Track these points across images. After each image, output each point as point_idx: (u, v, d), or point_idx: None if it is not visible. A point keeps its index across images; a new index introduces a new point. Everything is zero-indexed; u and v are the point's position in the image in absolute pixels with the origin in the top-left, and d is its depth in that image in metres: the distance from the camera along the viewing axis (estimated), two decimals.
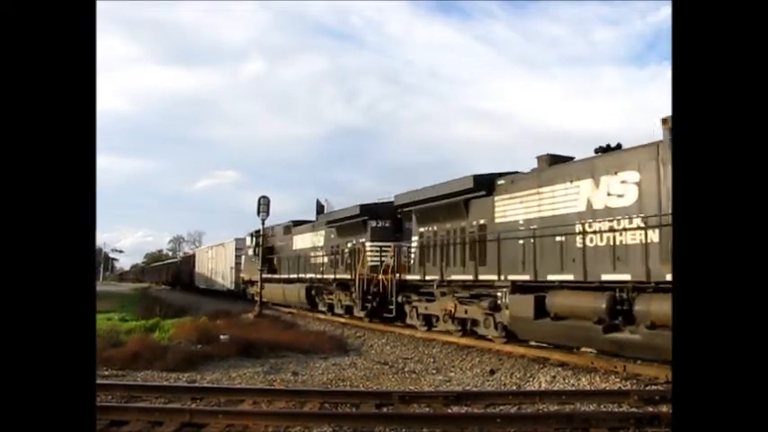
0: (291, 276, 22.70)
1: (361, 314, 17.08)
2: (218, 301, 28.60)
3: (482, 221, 12.54)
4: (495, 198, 12.16)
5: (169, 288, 55.81)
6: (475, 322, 12.35)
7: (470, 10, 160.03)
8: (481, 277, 11.91)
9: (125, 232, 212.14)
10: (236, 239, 32.51)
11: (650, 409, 6.42)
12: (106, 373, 9.04)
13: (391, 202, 16.92)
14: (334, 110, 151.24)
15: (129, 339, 11.57)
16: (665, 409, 6.33)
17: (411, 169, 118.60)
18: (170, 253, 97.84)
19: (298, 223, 24.72)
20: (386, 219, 17.61)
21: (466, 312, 12.57)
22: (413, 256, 15.40)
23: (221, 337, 12.35)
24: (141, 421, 5.97)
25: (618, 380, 8.37)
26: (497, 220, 12.01)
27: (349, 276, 17.72)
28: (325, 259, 20.41)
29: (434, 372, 9.88)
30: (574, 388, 8.10)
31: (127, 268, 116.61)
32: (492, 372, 9.56)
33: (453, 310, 12.89)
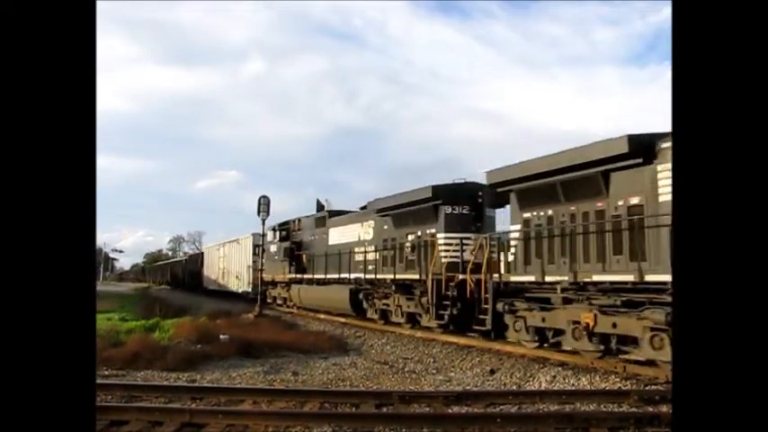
0: (329, 277, 18.90)
1: (433, 324, 13.50)
2: (219, 302, 28.36)
3: (634, 200, 9.17)
4: (659, 167, 8.68)
5: (170, 289, 52.17)
6: (626, 340, 8.94)
7: (470, 10, 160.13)
8: (650, 278, 8.32)
9: (125, 232, 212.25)
10: (254, 234, 28.34)
11: (650, 409, 6.42)
12: (106, 373, 9.04)
13: (468, 183, 13.80)
14: (334, 110, 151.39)
15: (129, 339, 11.57)
16: (665, 409, 6.33)
17: (411, 169, 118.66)
18: (170, 253, 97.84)
19: (335, 213, 20.84)
20: (463, 203, 13.64)
21: (614, 326, 8.97)
22: (513, 250, 11.60)
23: (221, 336, 12.35)
24: (141, 421, 5.97)
25: (618, 380, 8.37)
26: (663, 198, 8.52)
27: (416, 276, 13.91)
28: (376, 255, 16.39)
29: (435, 371, 9.89)
30: (574, 388, 8.10)
31: (127, 268, 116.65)
32: (492, 371, 9.56)
33: (592, 324, 9.29)
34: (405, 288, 14.87)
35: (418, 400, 6.95)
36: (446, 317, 12.94)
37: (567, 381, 8.60)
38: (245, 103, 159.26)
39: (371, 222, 17.24)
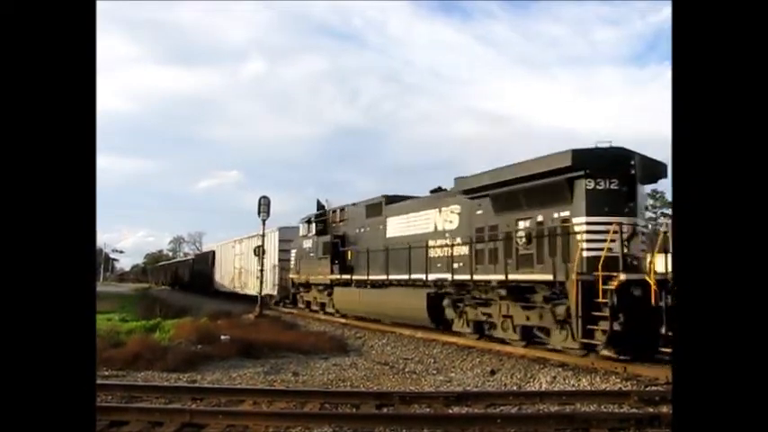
0: (394, 278, 14.76)
1: (573, 345, 9.65)
2: (221, 302, 28.31)
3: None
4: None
5: (176, 291, 48.20)
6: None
7: (471, 10, 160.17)
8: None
9: (125, 233, 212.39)
10: (281, 229, 25.41)
11: (650, 410, 6.42)
12: (106, 373, 9.04)
13: (615, 148, 9.85)
14: (334, 110, 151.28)
15: (130, 340, 11.57)
16: (665, 409, 6.33)
17: (412, 169, 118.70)
18: (170, 253, 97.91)
19: (393, 199, 16.31)
20: (611, 175, 9.70)
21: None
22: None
23: (222, 337, 12.35)
24: (141, 421, 5.98)
25: (618, 380, 8.37)
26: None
27: (545, 277, 9.97)
28: (466, 250, 12.26)
29: (435, 372, 9.88)
30: (574, 388, 8.10)
31: (127, 269, 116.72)
32: (492, 372, 9.55)
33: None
34: (518, 293, 10.83)
35: (419, 400, 6.95)
36: (600, 334, 8.96)
37: (567, 381, 8.60)
38: (246, 103, 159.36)
39: (456, 207, 12.96)
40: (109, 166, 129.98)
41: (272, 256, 25.54)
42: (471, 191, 12.24)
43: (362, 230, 17.56)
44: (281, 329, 15.90)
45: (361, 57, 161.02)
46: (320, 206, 23.35)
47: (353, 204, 18.62)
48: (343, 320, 18.21)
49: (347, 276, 17.62)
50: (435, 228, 13.70)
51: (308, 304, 22.10)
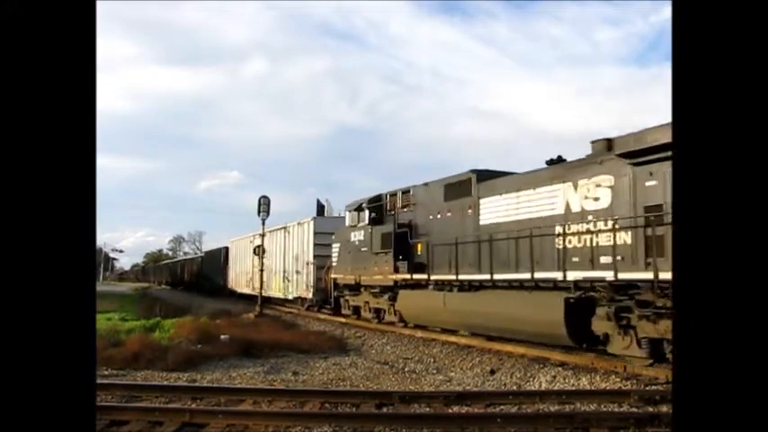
0: (500, 277, 11.04)
1: None
2: (222, 302, 28.18)
3: None
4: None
5: (180, 291, 45.21)
6: None
7: (472, 10, 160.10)
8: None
9: (126, 232, 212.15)
10: (316, 218, 21.47)
11: (650, 410, 6.42)
12: (106, 372, 9.04)
13: None
14: (335, 110, 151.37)
15: (130, 339, 11.58)
16: (665, 409, 6.33)
17: (412, 169, 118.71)
18: (170, 253, 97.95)
19: (488, 175, 12.43)
20: None
21: None
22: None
23: (222, 337, 12.36)
24: (141, 421, 5.98)
25: (618, 380, 8.37)
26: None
27: None
28: (625, 237, 8.83)
29: (435, 372, 9.89)
30: (574, 388, 8.10)
31: (127, 268, 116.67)
32: (492, 372, 9.56)
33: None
34: None
35: (418, 400, 6.96)
36: None
37: (567, 381, 8.60)
38: (247, 104, 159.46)
39: (606, 178, 9.36)
40: (110, 166, 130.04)
41: (305, 252, 21.50)
42: (640, 153, 8.55)
43: (439, 217, 13.50)
44: (281, 329, 15.92)
45: (362, 57, 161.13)
46: (320, 206, 23.54)
47: (424, 184, 14.39)
48: (342, 320, 18.18)
49: (421, 276, 13.49)
50: (568, 208, 10.05)
51: (355, 311, 17.77)
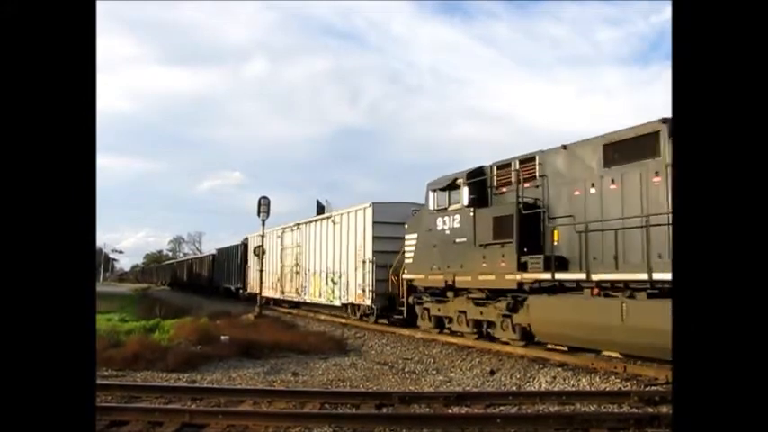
0: None
1: None
2: (220, 302, 28.11)
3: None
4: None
5: (185, 293, 40.30)
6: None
7: (473, 10, 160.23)
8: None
9: (126, 233, 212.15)
10: (376, 204, 16.63)
11: (650, 410, 6.42)
12: (106, 373, 9.04)
13: None
14: (336, 110, 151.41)
15: (129, 340, 11.58)
16: (665, 409, 6.33)
17: (413, 170, 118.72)
18: (170, 254, 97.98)
19: None
20: None
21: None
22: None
23: (222, 337, 12.36)
24: (141, 421, 5.98)
25: (618, 380, 8.37)
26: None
27: None
28: None
29: (435, 372, 9.88)
30: (574, 388, 8.10)
31: (127, 269, 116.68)
32: (492, 372, 9.55)
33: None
34: None
35: (418, 400, 6.95)
36: None
37: (567, 381, 8.60)
38: (248, 104, 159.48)
39: None
40: (110, 166, 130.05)
41: (360, 248, 17.03)
42: None
43: (593, 191, 9.62)
44: (281, 329, 15.92)
45: (362, 57, 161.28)
46: (320, 206, 22.82)
47: (562, 147, 10.38)
48: (342, 320, 18.14)
49: (572, 276, 9.50)
50: None
51: (439, 323, 13.49)
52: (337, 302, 18.54)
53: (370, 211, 16.74)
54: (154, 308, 19.85)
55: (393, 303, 15.60)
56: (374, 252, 16.37)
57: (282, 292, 23.60)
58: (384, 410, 6.60)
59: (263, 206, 22.26)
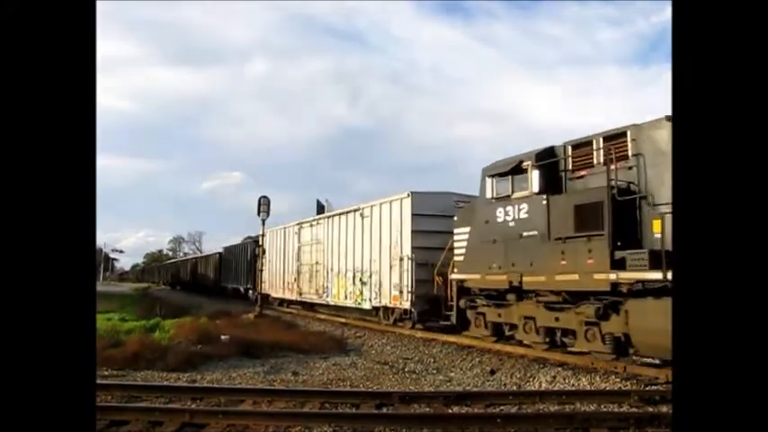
0: None
1: None
2: (219, 302, 28.04)
3: None
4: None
5: (189, 294, 38.42)
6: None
7: (473, 10, 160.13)
8: None
9: (126, 233, 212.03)
10: (415, 194, 14.60)
11: (650, 410, 6.42)
12: (106, 373, 9.03)
13: None
14: (337, 110, 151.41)
15: (129, 339, 11.57)
16: (665, 409, 6.33)
17: (413, 170, 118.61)
18: (170, 253, 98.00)
19: None
20: None
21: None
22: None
23: (222, 337, 12.35)
24: (141, 421, 5.98)
25: (618, 380, 8.37)
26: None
27: None
28: None
29: (435, 372, 9.88)
30: (574, 388, 8.10)
31: (127, 268, 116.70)
32: (492, 372, 9.55)
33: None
34: None
35: (418, 400, 6.95)
36: None
37: (567, 381, 8.60)
38: (249, 104, 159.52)
39: None
40: (110, 166, 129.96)
41: (397, 243, 14.91)
42: None
43: None
44: (281, 329, 15.90)
45: (363, 57, 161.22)
46: (320, 206, 22.76)
47: (666, 118, 8.59)
48: (342, 320, 18.12)
49: None
50: None
51: (497, 330, 11.59)
52: (366, 305, 16.53)
53: (408, 203, 14.57)
54: (154, 307, 19.84)
55: (435, 307, 13.57)
56: (413, 248, 14.30)
57: (300, 293, 21.52)
58: (384, 410, 6.59)
59: (263, 206, 22.23)
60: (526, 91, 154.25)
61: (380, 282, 15.68)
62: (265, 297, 24.68)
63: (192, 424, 5.94)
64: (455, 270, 12.41)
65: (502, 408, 6.68)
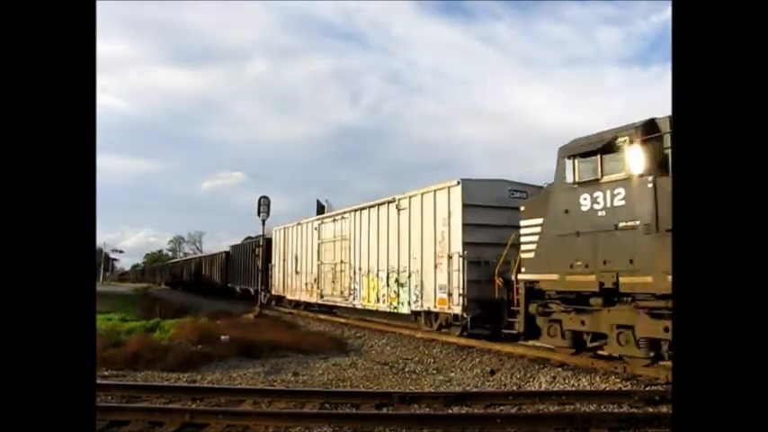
0: None
1: None
2: (218, 302, 28.04)
3: None
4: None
5: (195, 295, 35.73)
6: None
7: (474, 10, 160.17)
8: None
9: (126, 233, 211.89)
10: (465, 181, 12.84)
11: (650, 410, 6.42)
12: (106, 373, 9.04)
13: None
14: (337, 110, 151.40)
15: (129, 339, 11.58)
16: (665, 409, 6.33)
17: (413, 170, 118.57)
18: (170, 253, 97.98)
19: None
20: None
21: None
22: None
23: (222, 337, 12.36)
24: (141, 421, 5.98)
25: (618, 380, 8.36)
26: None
27: None
28: None
29: (435, 372, 9.88)
30: (574, 388, 8.09)
31: (127, 268, 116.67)
32: (492, 372, 9.55)
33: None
34: None
35: (418, 400, 6.95)
36: None
37: (567, 381, 8.60)
38: (250, 104, 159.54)
39: None
40: (110, 166, 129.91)
41: (443, 239, 12.97)
42: None
43: None
44: (281, 329, 15.90)
45: (364, 57, 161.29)
46: (320, 206, 22.76)
47: None
48: (342, 320, 18.11)
49: None
50: None
51: (578, 340, 9.60)
52: (404, 309, 14.63)
53: (458, 192, 12.63)
54: (154, 308, 19.85)
55: (491, 311, 11.98)
56: (464, 244, 12.37)
57: (321, 296, 19.51)
58: (384, 410, 6.60)
59: (263, 206, 22.24)
60: (526, 91, 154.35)
61: (422, 283, 13.74)
62: (279, 299, 23.76)
63: (192, 424, 5.94)
64: (522, 269, 10.45)
65: (502, 408, 6.68)
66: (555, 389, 8.11)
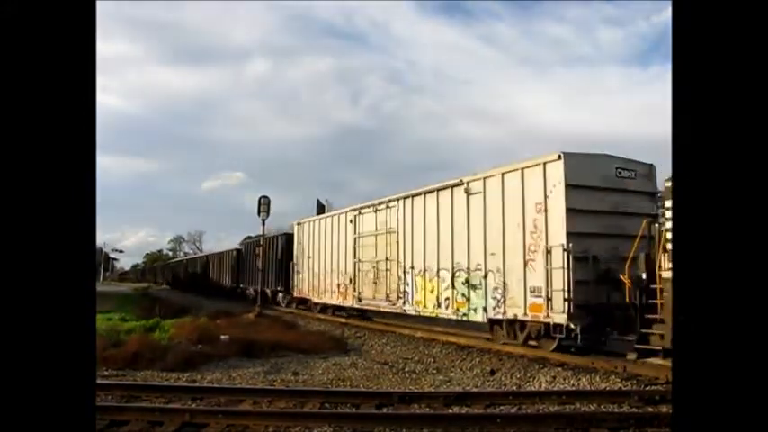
0: None
1: None
2: (218, 302, 28.03)
3: None
4: None
5: (206, 297, 31.73)
6: None
7: (474, 10, 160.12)
8: None
9: (126, 233, 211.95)
10: (568, 156, 9.94)
11: (650, 410, 6.42)
12: (106, 373, 9.04)
13: None
14: (337, 110, 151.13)
15: (129, 339, 11.58)
16: (665, 409, 6.33)
17: (414, 170, 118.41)
18: (170, 253, 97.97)
19: None
20: None
21: None
22: None
23: (222, 337, 12.36)
24: (141, 421, 5.98)
25: (618, 380, 8.37)
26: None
27: None
28: None
29: (435, 372, 9.88)
30: (574, 388, 8.10)
31: (127, 268, 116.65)
32: (492, 372, 9.56)
33: None
34: None
35: (418, 400, 6.96)
36: None
37: (567, 381, 8.60)
38: (250, 104, 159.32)
39: None
40: (111, 166, 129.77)
41: (536, 228, 10.42)
42: None
43: None
44: (281, 329, 15.90)
45: (364, 57, 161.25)
46: (320, 206, 22.75)
47: None
48: (342, 320, 18.12)
49: None
50: None
51: None
52: (478, 317, 11.95)
53: (559, 168, 9.97)
54: (154, 307, 19.85)
55: (602, 320, 9.91)
56: (568, 235, 9.74)
57: (359, 299, 16.88)
58: (384, 410, 6.60)
59: (264, 205, 22.22)
60: (526, 91, 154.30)
61: (505, 284, 11.09)
62: (302, 302, 21.45)
63: (192, 424, 5.95)
64: (670, 265, 8.44)
65: (502, 408, 6.68)
66: (555, 389, 8.11)
